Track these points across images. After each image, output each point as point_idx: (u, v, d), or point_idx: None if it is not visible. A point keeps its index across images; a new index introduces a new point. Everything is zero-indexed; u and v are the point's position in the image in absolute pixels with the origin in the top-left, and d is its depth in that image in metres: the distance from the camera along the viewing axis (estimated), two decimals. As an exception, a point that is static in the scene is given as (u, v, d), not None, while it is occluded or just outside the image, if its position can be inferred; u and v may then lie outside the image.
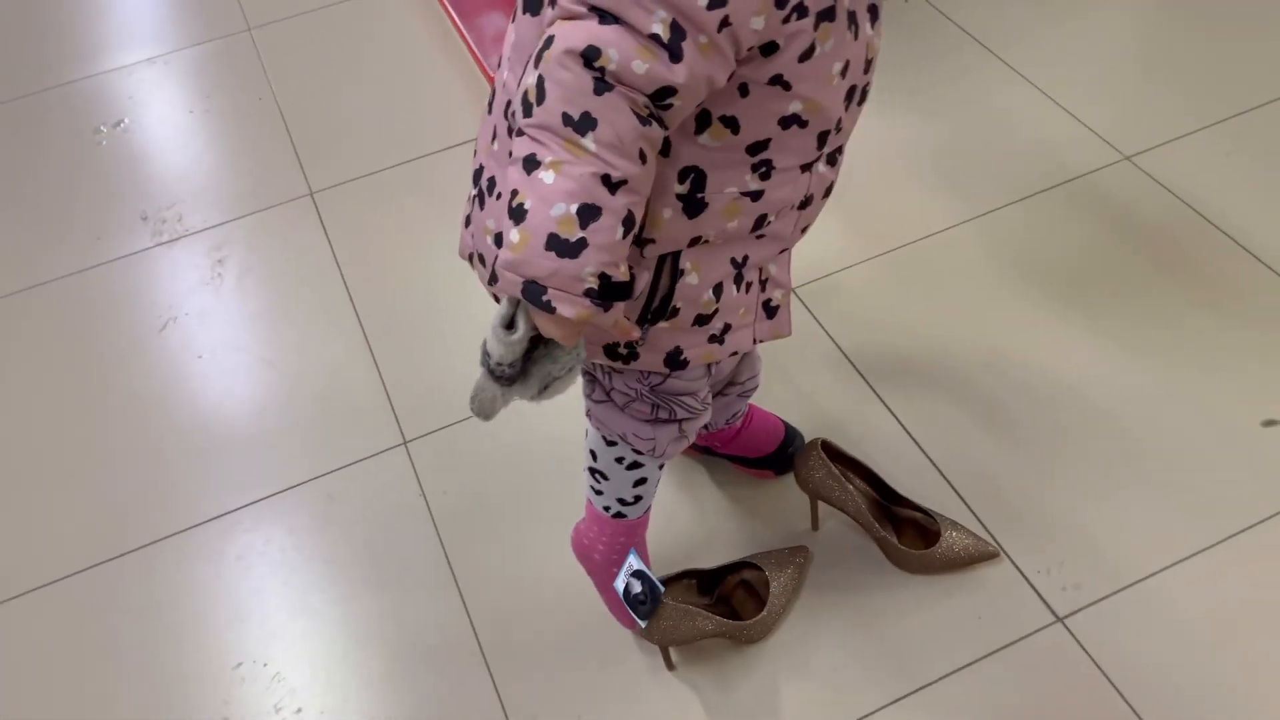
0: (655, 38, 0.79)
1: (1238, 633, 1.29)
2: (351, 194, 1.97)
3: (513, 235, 0.84)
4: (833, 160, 1.00)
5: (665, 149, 0.90)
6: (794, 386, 1.58)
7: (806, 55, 0.86)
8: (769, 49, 0.84)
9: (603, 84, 0.80)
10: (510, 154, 0.86)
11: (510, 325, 0.88)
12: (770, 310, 1.08)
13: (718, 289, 1.00)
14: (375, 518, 1.51)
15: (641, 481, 1.24)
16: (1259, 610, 1.31)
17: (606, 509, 1.27)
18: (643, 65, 0.80)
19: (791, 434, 1.47)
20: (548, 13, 0.86)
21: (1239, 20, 2.08)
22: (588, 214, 0.82)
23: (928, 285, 1.70)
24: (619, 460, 1.21)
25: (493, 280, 0.88)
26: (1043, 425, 1.51)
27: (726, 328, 1.04)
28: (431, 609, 1.40)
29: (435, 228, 1.88)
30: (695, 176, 0.92)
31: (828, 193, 1.03)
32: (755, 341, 1.08)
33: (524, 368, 0.91)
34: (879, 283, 1.71)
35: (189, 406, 1.67)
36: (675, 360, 1.03)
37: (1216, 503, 1.40)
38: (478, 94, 2.11)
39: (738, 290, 1.02)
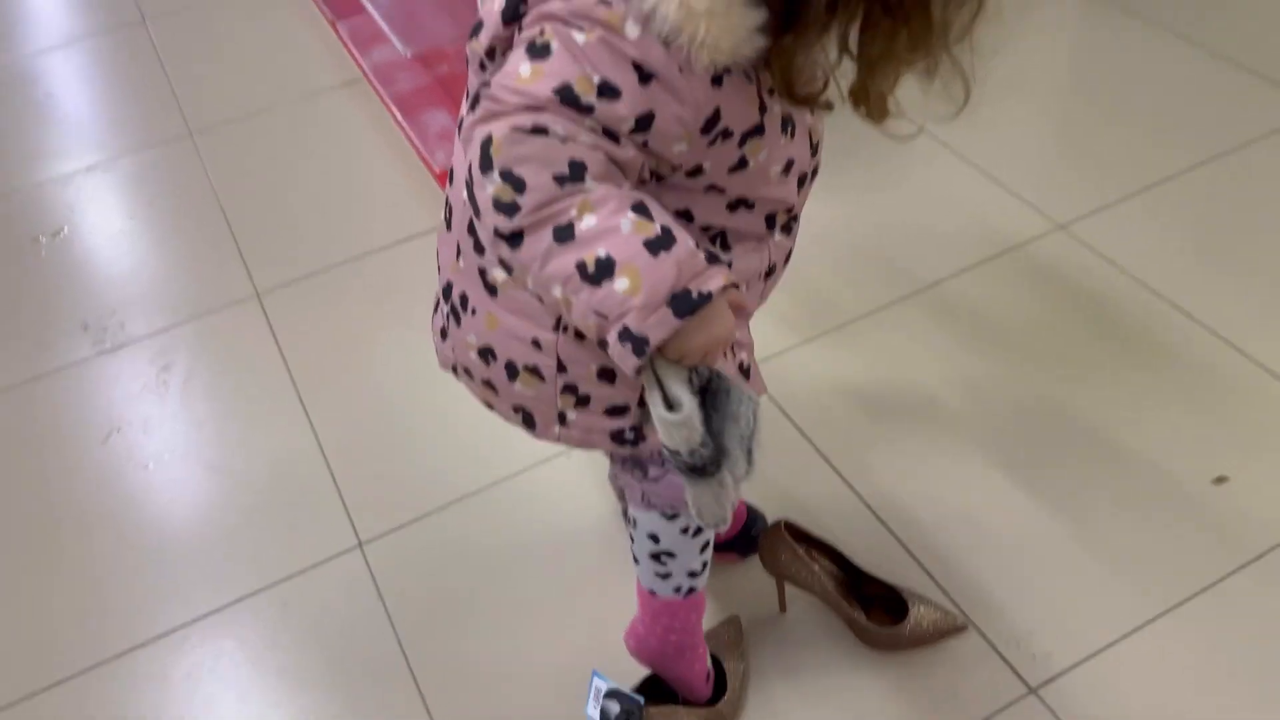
0: (591, 130, 0.80)
1: (1208, 691, 1.29)
2: (299, 293, 1.96)
3: (619, 285, 0.79)
4: (789, 229, 1.02)
5: None
6: (753, 467, 1.58)
7: (737, 168, 0.88)
8: (696, 171, 0.86)
9: (563, 139, 0.80)
10: (530, 271, 0.84)
11: (670, 405, 0.83)
12: (744, 372, 1.08)
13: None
14: (331, 625, 1.46)
15: (706, 545, 1.21)
16: (1229, 666, 1.31)
17: (678, 590, 1.22)
18: (588, 136, 0.80)
19: (754, 516, 1.46)
20: (466, 120, 0.85)
21: (1156, 93, 2.17)
22: (642, 209, 0.81)
23: (877, 359, 1.72)
24: (684, 531, 1.17)
25: (639, 350, 0.81)
26: (998, 494, 1.51)
27: (744, 364, 1.05)
28: (395, 718, 1.35)
29: (385, 324, 1.87)
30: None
31: (788, 259, 1.04)
32: None
33: (715, 444, 0.85)
34: (829, 359, 1.73)
35: (134, 519, 1.62)
36: None
37: (1179, 562, 1.41)
38: (424, 189, 2.13)
39: (723, 359, 1.03)
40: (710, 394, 0.86)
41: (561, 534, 1.53)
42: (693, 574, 1.21)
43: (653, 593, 1.23)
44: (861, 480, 1.55)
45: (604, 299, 0.80)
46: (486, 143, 0.81)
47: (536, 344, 0.97)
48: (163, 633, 1.47)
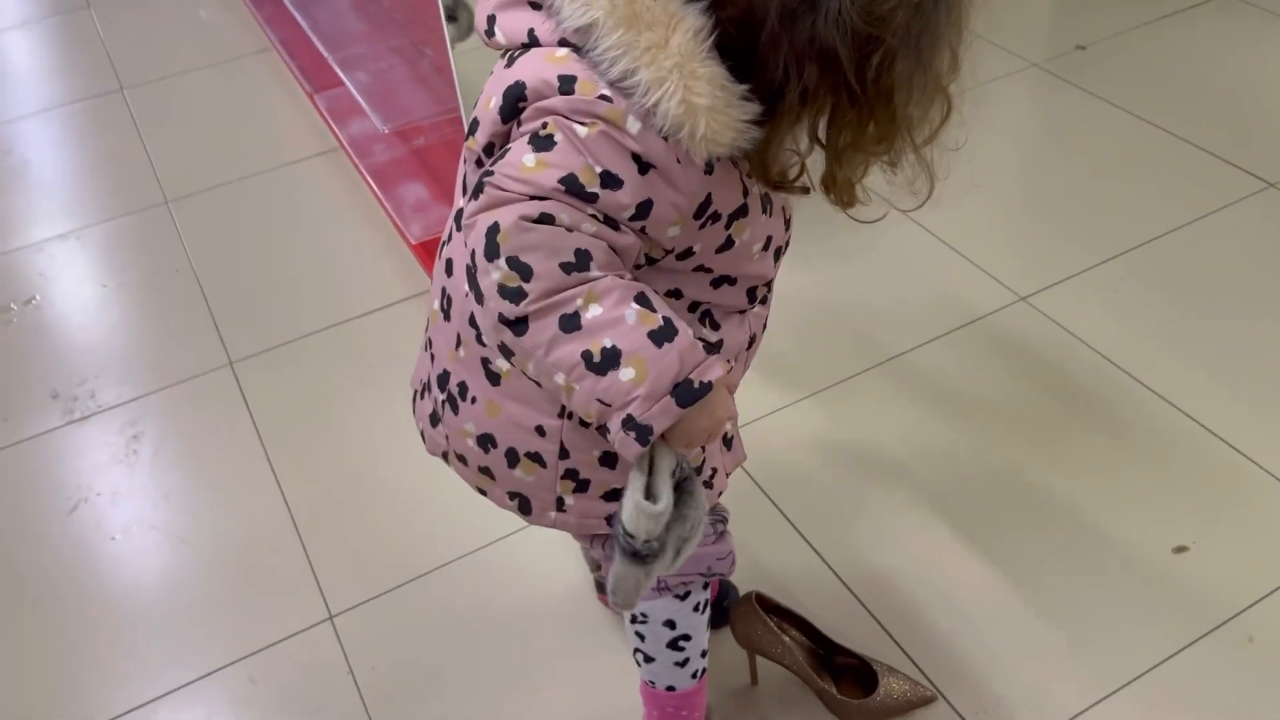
0: (593, 217, 0.84)
1: (1174, 764, 1.31)
2: (273, 362, 1.96)
3: (624, 374, 0.83)
4: (765, 300, 1.06)
5: None
6: (724, 537, 1.59)
7: (724, 248, 0.91)
8: (686, 254, 0.90)
9: (568, 230, 0.83)
10: (533, 358, 0.86)
11: (651, 495, 0.85)
12: (727, 443, 1.11)
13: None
14: (300, 700, 1.45)
15: (709, 619, 1.22)
16: (1192, 739, 1.33)
17: (694, 675, 1.22)
18: (591, 225, 0.83)
19: (726, 588, 1.47)
20: (469, 207, 0.87)
21: (1115, 166, 2.25)
22: (644, 300, 0.85)
23: (846, 427, 1.75)
24: (696, 608, 1.18)
25: (643, 439, 0.85)
26: (965, 564, 1.54)
27: (714, 472, 1.07)
28: (362, 796, 1.34)
29: (359, 393, 1.88)
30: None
31: (764, 327, 1.08)
32: (727, 475, 1.11)
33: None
34: (797, 430, 1.75)
35: (100, 592, 1.60)
36: None
37: (1140, 632, 1.44)
38: (399, 259, 2.15)
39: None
40: (678, 492, 0.89)
41: (534, 605, 1.53)
42: (703, 652, 1.22)
43: (671, 689, 1.22)
44: (831, 550, 1.56)
45: (608, 388, 0.83)
46: (493, 230, 0.83)
47: (540, 430, 0.98)
48: (130, 708, 1.45)
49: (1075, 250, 2.04)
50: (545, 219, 0.82)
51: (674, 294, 0.94)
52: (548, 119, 0.83)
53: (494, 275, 0.83)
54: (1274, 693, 1.36)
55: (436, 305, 1.04)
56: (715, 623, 1.45)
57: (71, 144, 2.62)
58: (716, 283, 0.95)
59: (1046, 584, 1.50)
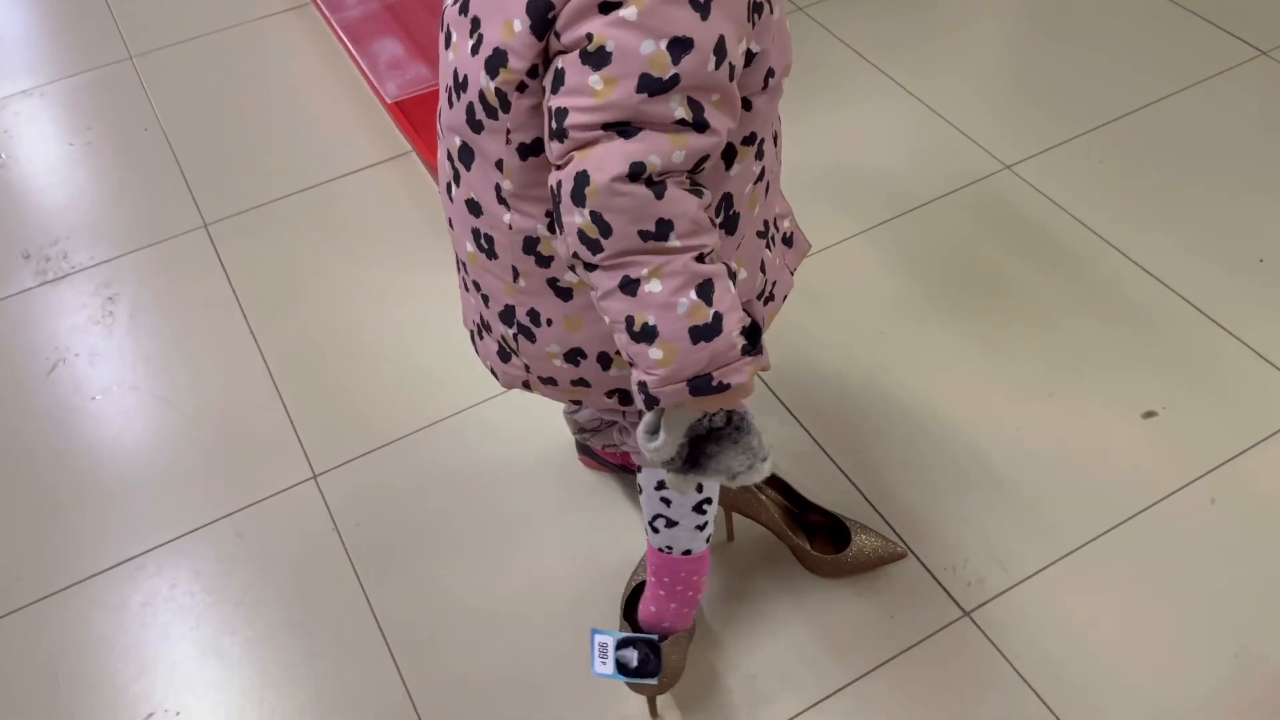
0: (681, 122, 0.81)
1: (1131, 616, 1.36)
2: (248, 224, 1.93)
3: (653, 353, 0.84)
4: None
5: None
6: (703, 401, 1.61)
7: (776, 35, 0.90)
8: (748, 59, 0.87)
9: (658, 187, 0.81)
10: (593, 291, 0.86)
11: (654, 431, 0.89)
12: (788, 240, 1.12)
13: (762, 266, 1.05)
14: (287, 555, 1.48)
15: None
16: (1150, 593, 1.38)
17: (708, 539, 1.25)
18: (681, 153, 0.81)
19: (703, 448, 1.50)
20: (553, 146, 0.84)
21: (1100, 36, 2.20)
22: (706, 291, 0.84)
23: (825, 299, 1.75)
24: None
25: (650, 403, 0.87)
26: (940, 427, 1.57)
27: (773, 284, 1.09)
28: (350, 646, 1.38)
29: (336, 256, 1.86)
30: (725, 202, 0.95)
31: (779, 120, 1.07)
32: (791, 274, 1.14)
33: (698, 460, 0.92)
34: (780, 295, 1.75)
35: (83, 451, 1.61)
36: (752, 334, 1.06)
37: (1105, 493, 1.48)
38: (373, 119, 2.10)
39: (771, 250, 1.07)
40: (718, 437, 0.91)
41: (515, 466, 1.55)
42: (714, 519, 1.25)
43: (688, 552, 1.24)
44: (808, 414, 1.59)
45: (638, 352, 0.86)
46: (582, 179, 0.81)
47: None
48: (118, 562, 1.48)
49: (1063, 119, 2.02)
50: (636, 173, 0.80)
51: (750, 140, 0.93)
52: (590, 28, 0.79)
53: (576, 219, 0.83)
54: (1231, 551, 1.42)
55: (471, 248, 1.01)
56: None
57: (28, -5, 2.51)
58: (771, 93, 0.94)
59: (1017, 447, 1.54)
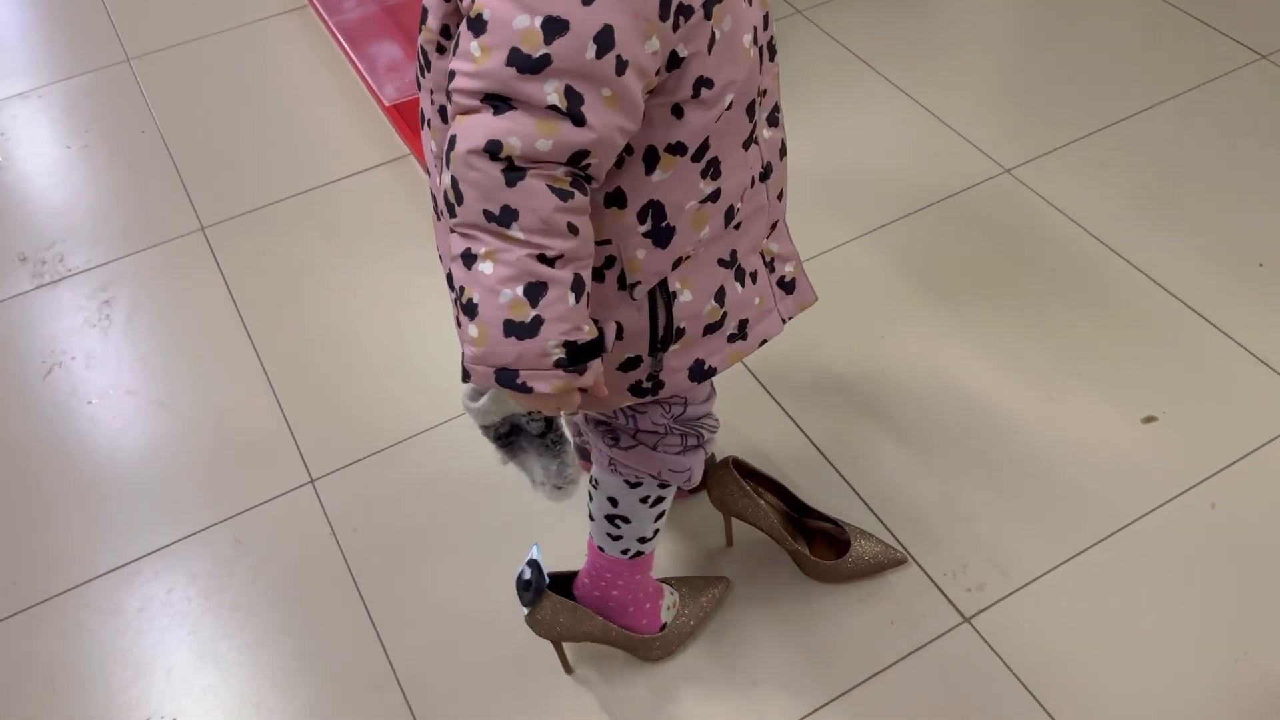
0: (553, 109, 0.79)
1: (1131, 622, 1.36)
2: (245, 227, 1.92)
3: (471, 330, 0.84)
4: (774, 121, 1.00)
5: (621, 201, 0.90)
6: (702, 405, 1.61)
7: (710, 45, 0.84)
8: (674, 62, 0.83)
9: (513, 173, 0.80)
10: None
11: (476, 398, 0.90)
12: (787, 286, 1.08)
13: (719, 295, 1.00)
14: (284, 559, 1.47)
15: (661, 515, 1.23)
16: (1151, 599, 1.38)
17: (625, 552, 1.24)
18: (547, 142, 0.79)
19: (702, 453, 1.49)
20: (449, 107, 0.85)
21: (1099, 40, 2.20)
22: (535, 291, 0.82)
23: (824, 301, 1.74)
24: (644, 500, 1.19)
25: (465, 377, 0.89)
26: (940, 433, 1.56)
27: (744, 324, 1.04)
28: (347, 649, 1.38)
29: (333, 260, 1.85)
30: (654, 210, 0.91)
31: (784, 152, 1.03)
32: (784, 320, 1.09)
33: (511, 445, 0.96)
34: (779, 299, 1.75)
35: (80, 454, 1.61)
36: (700, 372, 1.03)
37: (1105, 498, 1.48)
38: (371, 122, 2.09)
39: (743, 286, 1.02)
40: (535, 433, 0.95)
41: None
42: (643, 539, 1.24)
43: (601, 549, 1.26)
44: (807, 419, 1.58)
45: (463, 323, 0.86)
46: (451, 144, 0.81)
47: None
48: (115, 566, 1.47)
49: (1062, 123, 2.02)
50: (493, 151, 0.79)
51: (678, 150, 0.88)
52: None
53: (445, 180, 0.83)
54: (1232, 557, 1.41)
55: (432, 209, 1.02)
56: (693, 487, 1.48)
57: (25, -3, 2.50)
58: (718, 116, 0.90)
59: (1018, 451, 1.53)
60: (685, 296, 0.97)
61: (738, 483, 1.36)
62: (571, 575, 1.31)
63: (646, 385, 1.02)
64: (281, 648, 1.38)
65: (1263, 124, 2.00)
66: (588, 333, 0.86)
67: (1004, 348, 1.67)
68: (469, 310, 0.84)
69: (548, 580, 1.23)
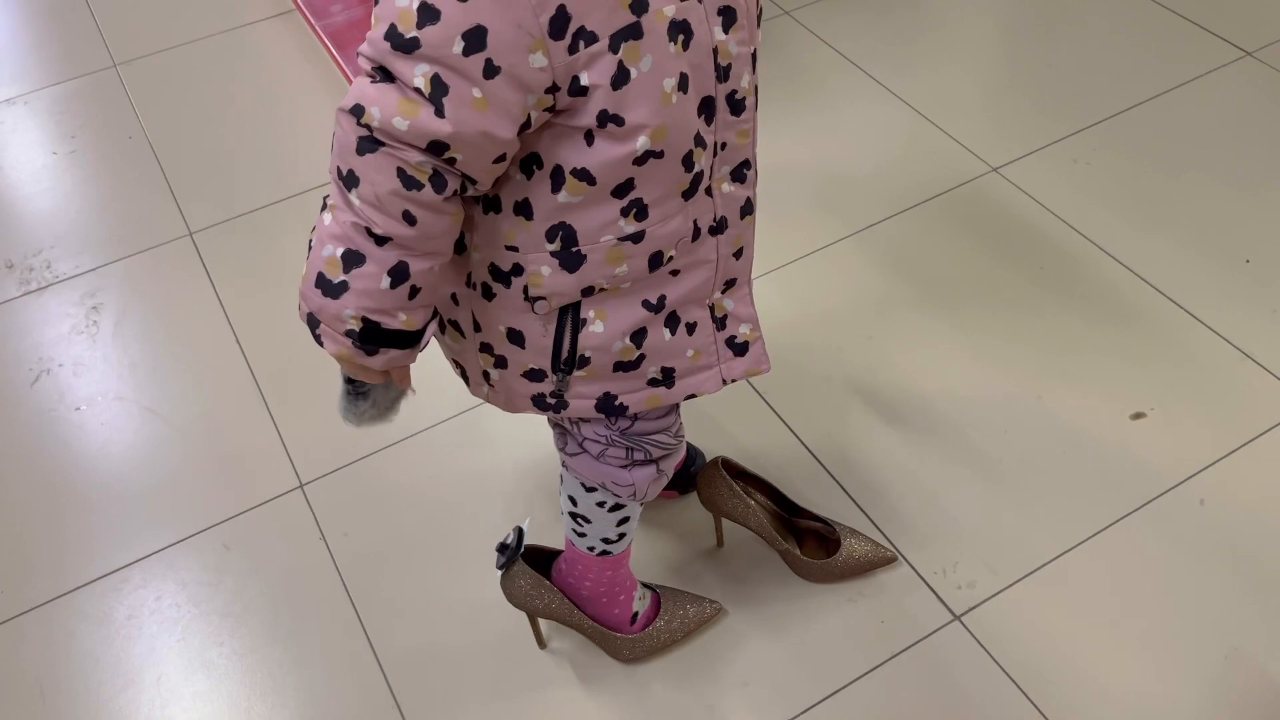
0: (418, 91, 0.79)
1: (1121, 619, 1.36)
2: (233, 232, 1.92)
3: (305, 266, 0.89)
4: (740, 177, 0.96)
5: (528, 213, 0.89)
6: (692, 406, 1.60)
7: (621, 80, 0.82)
8: (578, 89, 0.81)
9: (368, 142, 0.81)
10: None
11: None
12: (738, 348, 1.05)
13: (637, 335, 0.98)
14: (274, 565, 1.47)
15: (625, 520, 1.22)
16: (1140, 595, 1.38)
17: (591, 549, 1.24)
18: (404, 121, 0.79)
19: (693, 453, 1.49)
20: None
21: (1085, 38, 2.20)
22: (351, 259, 0.86)
23: (813, 300, 1.75)
24: (600, 504, 1.19)
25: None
26: (929, 431, 1.56)
27: (669, 371, 1.02)
28: (338, 655, 1.37)
29: (322, 264, 1.85)
30: (564, 233, 0.90)
31: (747, 211, 0.99)
32: (726, 381, 1.05)
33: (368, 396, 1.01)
34: (767, 299, 1.74)
35: (67, 462, 1.60)
36: (609, 406, 1.02)
37: (1094, 495, 1.48)
38: (359, 126, 2.09)
39: (673, 333, 1.00)
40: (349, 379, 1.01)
41: (502, 475, 1.55)
42: (607, 540, 1.23)
43: (571, 543, 1.26)
44: (796, 418, 1.58)
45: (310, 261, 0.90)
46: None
47: (454, 299, 1.00)
48: (103, 574, 1.46)
49: (1050, 121, 2.02)
50: (355, 113, 0.81)
51: (585, 178, 0.85)
52: None
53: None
54: (1221, 553, 1.42)
55: None
56: (683, 488, 1.48)
57: (11, 4, 2.49)
58: (641, 159, 0.85)
59: (1007, 449, 1.54)
60: (596, 327, 0.96)
61: (727, 483, 1.36)
62: (555, 554, 1.31)
63: (550, 401, 1.03)
64: (271, 654, 1.38)
65: (1249, 121, 2.00)
66: (403, 321, 0.89)
67: (992, 346, 1.67)
68: (309, 247, 0.89)
69: (523, 549, 1.27)
